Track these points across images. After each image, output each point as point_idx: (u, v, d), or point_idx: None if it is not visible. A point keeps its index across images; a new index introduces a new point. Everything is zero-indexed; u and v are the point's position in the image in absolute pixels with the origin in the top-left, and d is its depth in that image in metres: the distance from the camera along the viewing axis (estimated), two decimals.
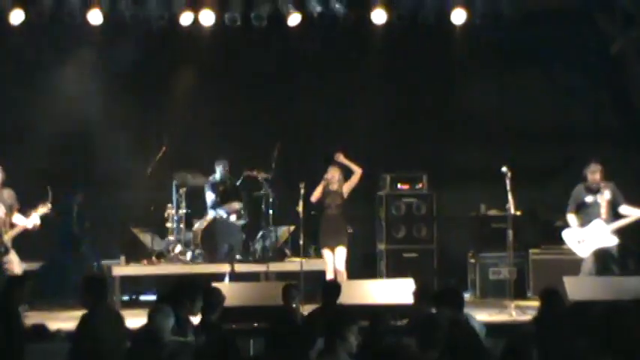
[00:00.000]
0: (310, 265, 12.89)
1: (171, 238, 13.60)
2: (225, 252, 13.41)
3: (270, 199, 13.72)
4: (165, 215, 13.60)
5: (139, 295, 13.81)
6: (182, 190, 13.55)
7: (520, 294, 12.91)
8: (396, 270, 13.67)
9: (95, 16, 13.55)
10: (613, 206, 12.08)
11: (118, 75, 14.35)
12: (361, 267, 13.84)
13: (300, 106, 14.75)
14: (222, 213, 13.69)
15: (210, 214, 13.69)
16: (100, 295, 8.47)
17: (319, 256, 12.77)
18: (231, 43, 14.32)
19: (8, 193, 11.89)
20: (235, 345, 8.40)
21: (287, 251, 13.89)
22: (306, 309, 10.08)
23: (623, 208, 12.09)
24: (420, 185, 14.30)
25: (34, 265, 13.06)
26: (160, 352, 7.50)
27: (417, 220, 14.21)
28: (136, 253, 13.60)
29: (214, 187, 13.86)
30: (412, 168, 14.34)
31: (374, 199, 14.54)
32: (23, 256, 12.07)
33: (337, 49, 14.56)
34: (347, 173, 12.65)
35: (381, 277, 13.87)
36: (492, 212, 13.94)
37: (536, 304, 9.05)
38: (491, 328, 9.01)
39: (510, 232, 12.12)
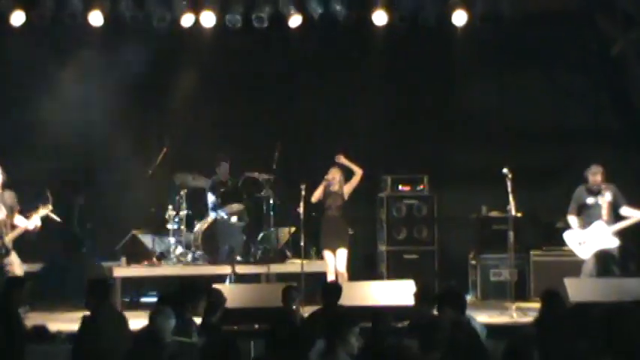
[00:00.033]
0: (311, 266, 12.89)
1: (172, 239, 13.60)
2: (226, 253, 13.41)
3: (271, 201, 13.73)
4: (166, 216, 13.61)
5: (139, 297, 13.81)
6: (183, 192, 13.56)
7: (521, 295, 12.89)
8: (397, 271, 13.66)
9: (96, 18, 13.56)
10: (614, 208, 12.08)
11: (119, 76, 14.34)
12: (362, 268, 13.84)
13: (300, 108, 14.75)
14: (222, 214, 13.69)
15: (211, 216, 13.68)
16: (104, 297, 8.49)
17: (320, 257, 12.78)
18: (232, 45, 14.31)
19: (9, 195, 11.89)
20: (236, 346, 8.41)
21: (288, 253, 13.89)
22: (307, 310, 10.09)
23: (624, 210, 12.09)
24: (421, 187, 14.30)
25: (34, 267, 13.07)
26: (161, 353, 7.50)
27: (418, 222, 14.21)
28: (137, 254, 13.60)
29: (215, 188, 13.86)
30: (412, 168, 14.34)
31: (375, 201, 14.54)
32: (24, 258, 12.08)
33: (338, 50, 14.56)
34: (347, 174, 12.66)
35: (381, 278, 13.87)
36: (493, 214, 13.95)
37: (537, 305, 9.04)
38: (492, 329, 9.00)
39: (511, 234, 12.13)
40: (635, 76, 14.41)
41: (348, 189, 12.54)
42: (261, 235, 13.82)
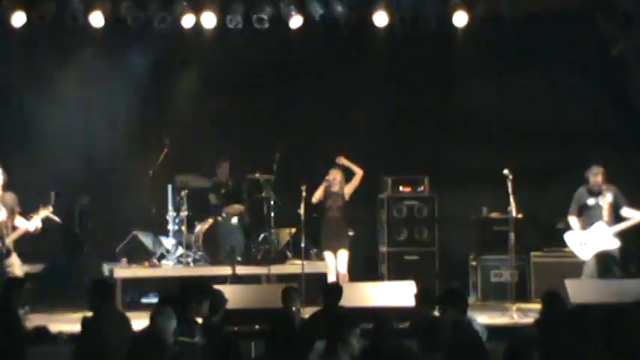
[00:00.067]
0: (312, 267, 12.88)
1: (172, 240, 13.60)
2: (227, 254, 13.40)
3: (272, 202, 13.73)
4: (167, 217, 13.60)
5: (140, 298, 13.80)
6: (183, 193, 13.55)
7: (521, 297, 12.89)
8: (398, 272, 13.67)
9: (97, 19, 13.57)
10: (615, 209, 12.07)
11: (120, 77, 14.36)
12: (363, 269, 13.82)
13: (301, 108, 14.76)
14: (223, 215, 13.68)
15: (212, 217, 13.68)
16: (107, 297, 8.49)
17: (321, 258, 12.77)
18: (233, 46, 14.32)
19: (10, 196, 11.88)
20: (237, 347, 8.41)
21: (288, 253, 13.89)
22: (308, 311, 10.08)
23: (625, 211, 12.08)
24: (422, 188, 14.29)
25: (35, 268, 13.05)
26: (162, 354, 7.50)
27: (419, 223, 14.21)
28: (138, 255, 13.60)
29: (216, 189, 13.86)
30: (412, 169, 14.34)
31: (375, 202, 14.54)
32: (25, 259, 12.07)
33: (338, 50, 14.56)
34: (348, 175, 12.65)
35: (382, 279, 13.87)
36: (494, 215, 13.94)
37: (537, 306, 9.05)
38: (493, 330, 9.00)
39: (512, 235, 12.13)
40: (635, 77, 14.40)
41: (348, 190, 12.54)
42: (261, 235, 13.82)
